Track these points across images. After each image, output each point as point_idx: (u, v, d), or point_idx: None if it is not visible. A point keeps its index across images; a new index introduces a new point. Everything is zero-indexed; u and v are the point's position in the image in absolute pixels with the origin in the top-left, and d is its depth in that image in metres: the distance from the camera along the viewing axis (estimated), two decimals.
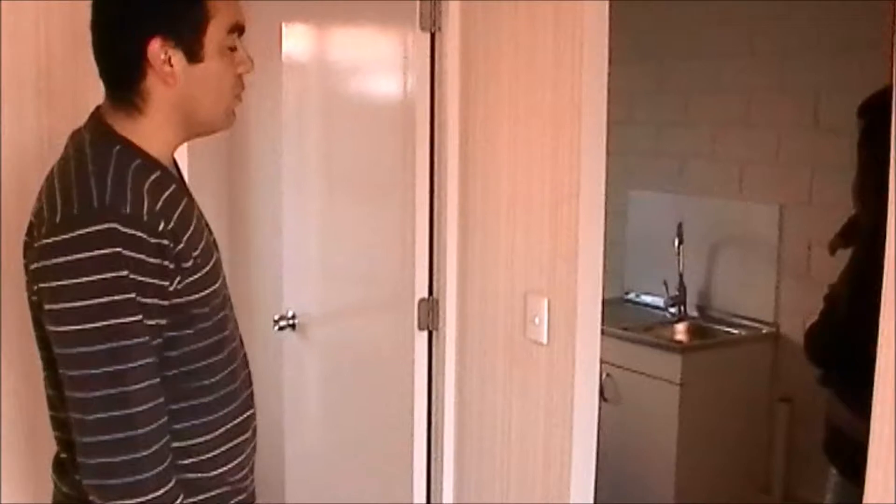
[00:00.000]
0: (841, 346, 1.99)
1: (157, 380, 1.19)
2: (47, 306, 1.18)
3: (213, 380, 1.30)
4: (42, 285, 1.18)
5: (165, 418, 1.21)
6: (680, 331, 3.57)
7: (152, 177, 1.24)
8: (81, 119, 1.32)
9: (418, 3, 2.23)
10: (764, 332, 3.37)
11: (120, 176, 1.20)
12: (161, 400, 1.20)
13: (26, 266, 1.25)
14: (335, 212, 2.69)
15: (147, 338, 1.17)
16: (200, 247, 1.28)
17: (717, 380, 3.24)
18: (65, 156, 1.27)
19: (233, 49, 1.30)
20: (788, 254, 3.30)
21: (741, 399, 3.31)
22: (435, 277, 2.32)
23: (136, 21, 1.24)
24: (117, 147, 1.24)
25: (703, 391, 3.18)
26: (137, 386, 1.16)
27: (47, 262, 1.16)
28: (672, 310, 3.61)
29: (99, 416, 1.15)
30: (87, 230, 1.14)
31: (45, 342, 1.26)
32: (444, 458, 2.33)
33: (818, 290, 3.09)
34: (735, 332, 3.41)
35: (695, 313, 3.60)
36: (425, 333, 2.34)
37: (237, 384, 1.36)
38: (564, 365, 1.95)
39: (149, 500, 1.16)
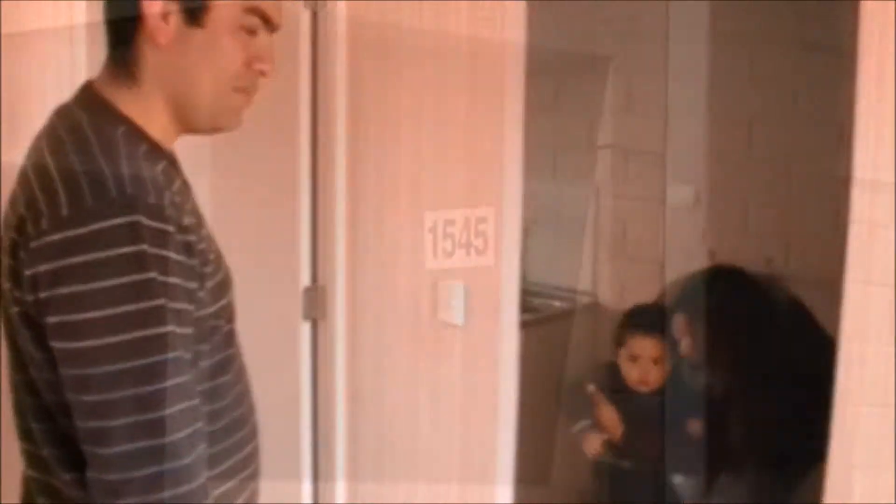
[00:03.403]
0: None
1: (196, 401, 1.00)
2: (57, 318, 0.94)
3: (220, 404, 1.11)
4: (48, 293, 0.93)
5: (205, 445, 1.01)
6: None
7: (160, 166, 1.04)
8: None
9: None
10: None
11: (133, 161, 0.99)
12: (200, 424, 1.00)
13: (14, 269, 0.98)
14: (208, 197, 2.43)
15: (181, 351, 0.97)
16: (214, 249, 1.10)
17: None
18: (55, 137, 1.02)
19: (251, 33, 1.09)
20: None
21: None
22: (320, 264, 2.20)
23: None
24: (121, 129, 1.03)
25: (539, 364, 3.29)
26: (172, 409, 0.95)
27: (56, 264, 0.92)
28: None
29: (125, 447, 0.94)
30: (107, 224, 0.92)
31: (20, 363, 1.03)
32: (336, 452, 2.24)
33: None
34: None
35: None
36: (309, 324, 2.22)
37: (244, 408, 1.17)
38: (485, 346, 1.93)
39: None
